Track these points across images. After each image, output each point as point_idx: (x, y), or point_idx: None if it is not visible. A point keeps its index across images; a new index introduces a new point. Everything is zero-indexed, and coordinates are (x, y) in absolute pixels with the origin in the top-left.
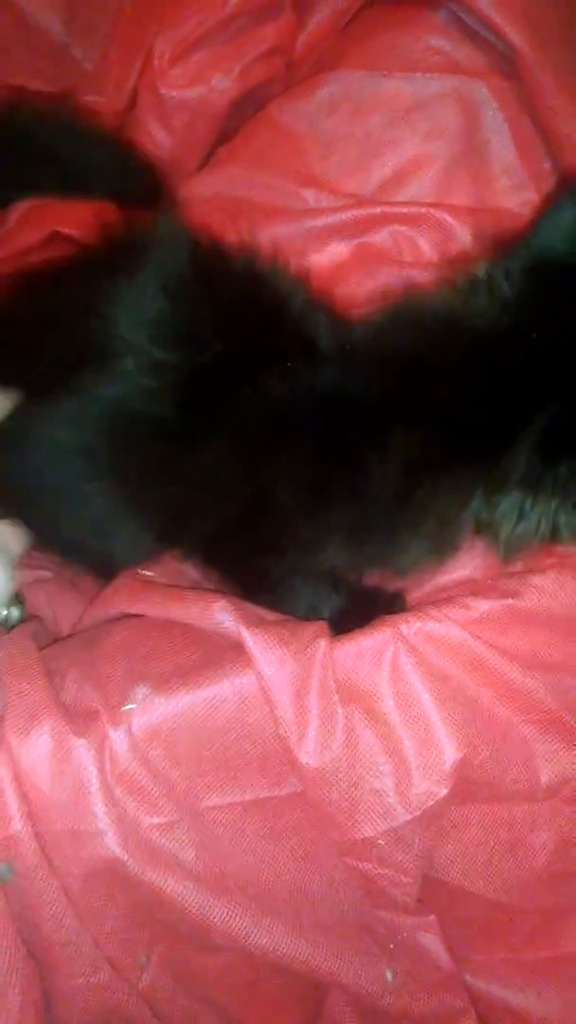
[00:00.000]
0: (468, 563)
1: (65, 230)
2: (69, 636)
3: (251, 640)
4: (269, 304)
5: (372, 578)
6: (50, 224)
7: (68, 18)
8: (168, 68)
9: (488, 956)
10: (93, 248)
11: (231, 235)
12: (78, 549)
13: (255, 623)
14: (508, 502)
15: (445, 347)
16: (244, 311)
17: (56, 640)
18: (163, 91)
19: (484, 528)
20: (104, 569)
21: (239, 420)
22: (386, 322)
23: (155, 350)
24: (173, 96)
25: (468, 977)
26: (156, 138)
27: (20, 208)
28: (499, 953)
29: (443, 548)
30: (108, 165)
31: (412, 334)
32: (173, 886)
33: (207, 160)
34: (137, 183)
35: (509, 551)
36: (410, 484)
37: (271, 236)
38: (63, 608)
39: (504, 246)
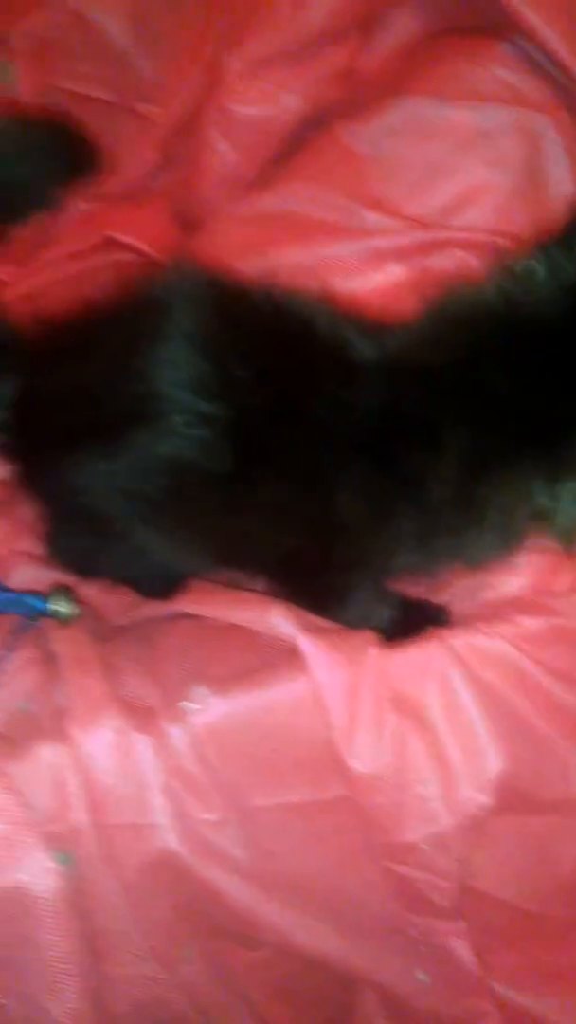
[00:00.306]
0: (516, 580)
1: (118, 235)
2: (124, 629)
3: (306, 646)
4: (295, 332)
5: (419, 590)
6: (103, 229)
7: (133, 28)
8: (237, 84)
9: (511, 962)
10: (116, 309)
11: (265, 258)
12: (142, 580)
13: (310, 629)
14: (568, 489)
15: (496, 338)
16: (273, 345)
17: (111, 631)
18: (231, 106)
19: (544, 517)
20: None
21: (293, 453)
22: (427, 323)
23: (200, 404)
24: (241, 112)
25: (491, 982)
26: (219, 151)
27: (72, 212)
28: (522, 959)
29: (509, 539)
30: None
31: (457, 330)
32: (222, 881)
33: (263, 174)
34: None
35: (569, 538)
36: (470, 481)
37: (329, 254)
38: (114, 598)
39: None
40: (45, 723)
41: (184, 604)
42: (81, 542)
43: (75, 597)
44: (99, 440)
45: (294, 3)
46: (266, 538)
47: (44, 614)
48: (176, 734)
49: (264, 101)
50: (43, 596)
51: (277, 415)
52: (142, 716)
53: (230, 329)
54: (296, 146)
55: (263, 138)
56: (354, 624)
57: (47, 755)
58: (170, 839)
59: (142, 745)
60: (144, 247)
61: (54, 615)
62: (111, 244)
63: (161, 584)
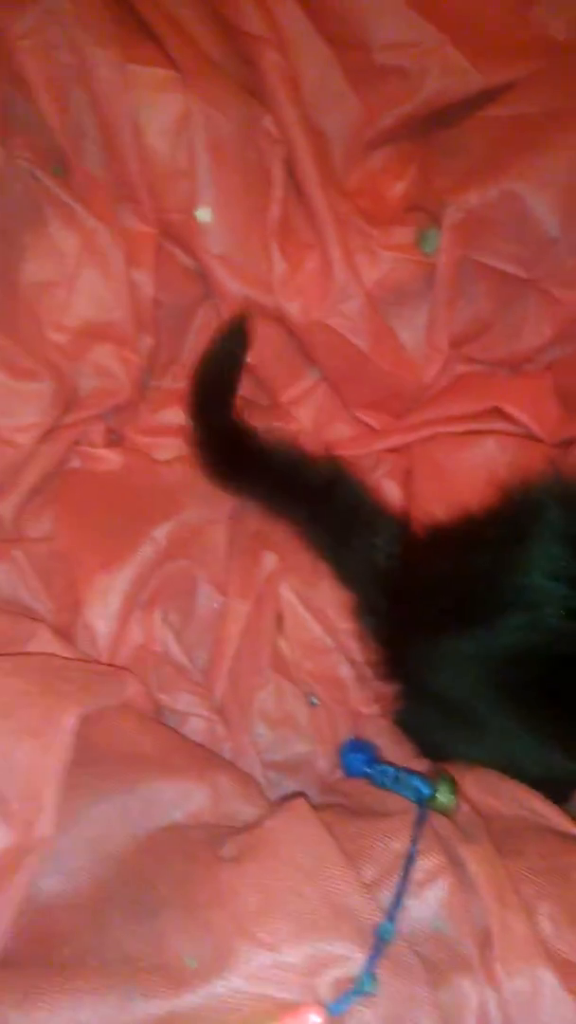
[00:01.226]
0: None
1: (507, 407)
2: (519, 838)
3: None
4: None
5: None
6: (491, 398)
7: (564, 216)
8: None
9: None
10: (495, 505)
11: None
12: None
13: None
14: None
15: None
16: None
17: (503, 835)
18: None
19: None
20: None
21: None
22: None
23: (572, 598)
24: None
25: None
26: None
27: (451, 373)
28: None
29: None
30: None
31: None
32: None
33: None
34: None
35: None
36: None
37: None
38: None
39: None
40: (465, 952)
41: None
42: (434, 723)
43: (456, 787)
44: (472, 625)
45: None
46: None
47: (426, 799)
48: None
49: None
50: (428, 780)
51: None
52: (569, 973)
53: None
54: None
55: None
56: None
57: (472, 993)
58: None
59: (568, 1006)
60: (529, 422)
61: (436, 804)
62: (493, 413)
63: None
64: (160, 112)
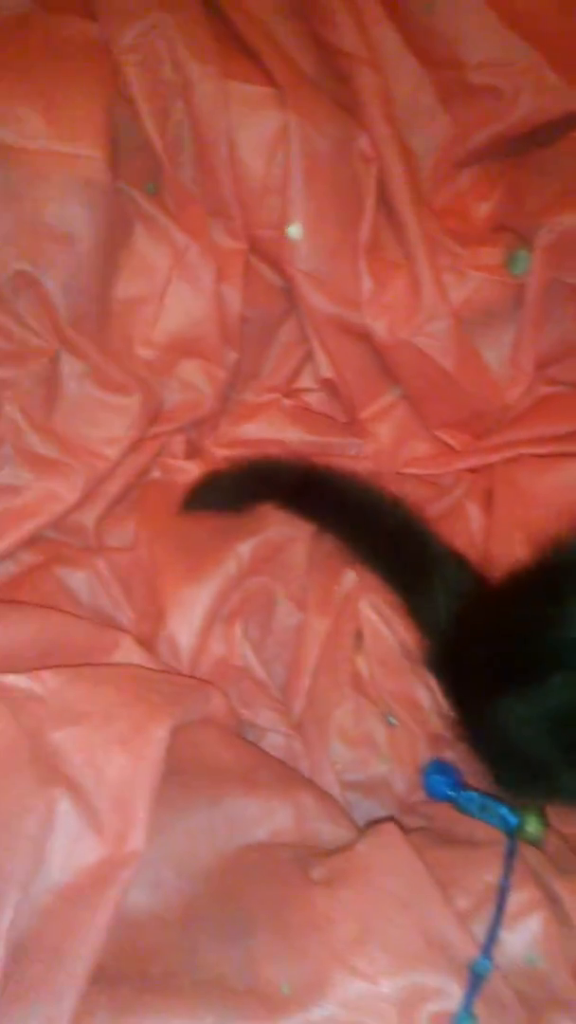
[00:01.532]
0: None
1: None
2: None
3: None
4: None
5: None
6: None
7: None
8: None
9: None
10: (531, 565)
11: None
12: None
13: None
14: None
15: None
16: None
17: None
18: None
19: None
20: None
21: None
22: None
23: None
24: None
25: None
26: None
27: (535, 394)
28: None
29: None
30: None
31: None
32: None
33: None
34: None
35: None
36: None
37: None
38: None
39: None
40: (562, 988)
41: None
42: (509, 769)
43: (545, 818)
44: (521, 686)
45: None
46: None
47: (514, 829)
48: None
49: None
50: (514, 809)
51: None
52: None
53: None
54: None
55: None
56: None
57: None
58: None
59: None
60: None
61: (525, 835)
62: None
63: None
64: (256, 129)
